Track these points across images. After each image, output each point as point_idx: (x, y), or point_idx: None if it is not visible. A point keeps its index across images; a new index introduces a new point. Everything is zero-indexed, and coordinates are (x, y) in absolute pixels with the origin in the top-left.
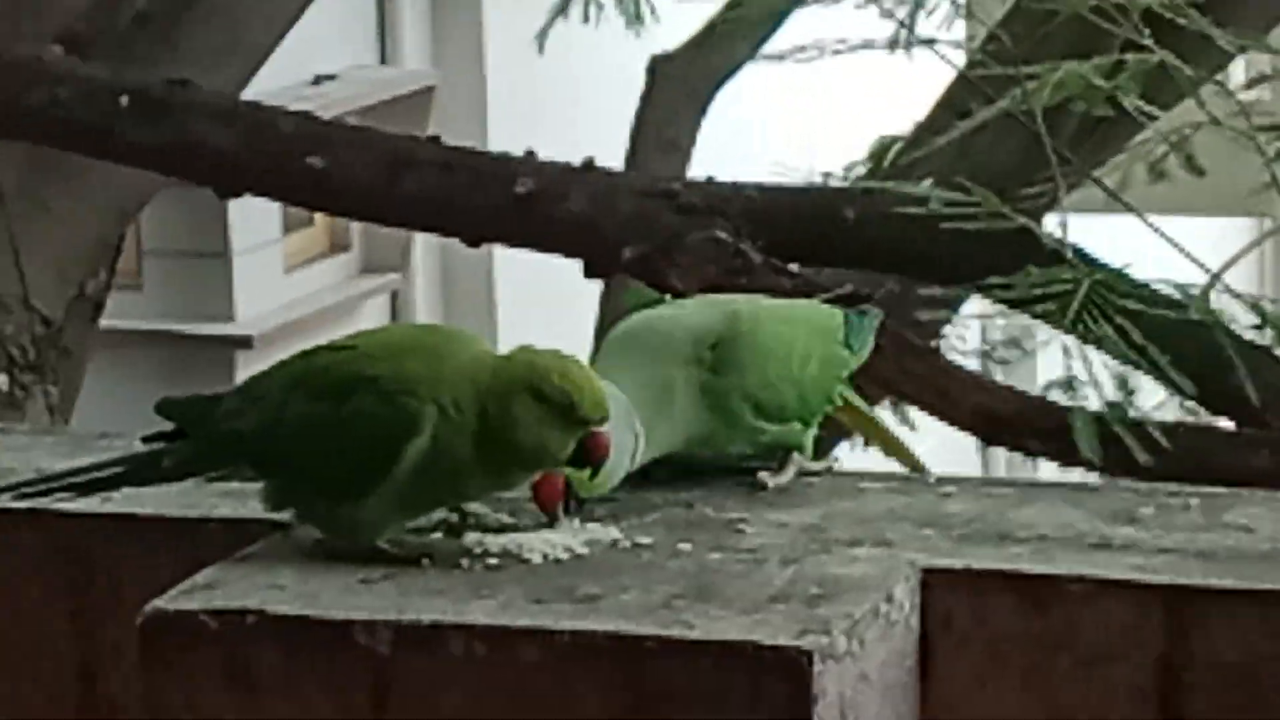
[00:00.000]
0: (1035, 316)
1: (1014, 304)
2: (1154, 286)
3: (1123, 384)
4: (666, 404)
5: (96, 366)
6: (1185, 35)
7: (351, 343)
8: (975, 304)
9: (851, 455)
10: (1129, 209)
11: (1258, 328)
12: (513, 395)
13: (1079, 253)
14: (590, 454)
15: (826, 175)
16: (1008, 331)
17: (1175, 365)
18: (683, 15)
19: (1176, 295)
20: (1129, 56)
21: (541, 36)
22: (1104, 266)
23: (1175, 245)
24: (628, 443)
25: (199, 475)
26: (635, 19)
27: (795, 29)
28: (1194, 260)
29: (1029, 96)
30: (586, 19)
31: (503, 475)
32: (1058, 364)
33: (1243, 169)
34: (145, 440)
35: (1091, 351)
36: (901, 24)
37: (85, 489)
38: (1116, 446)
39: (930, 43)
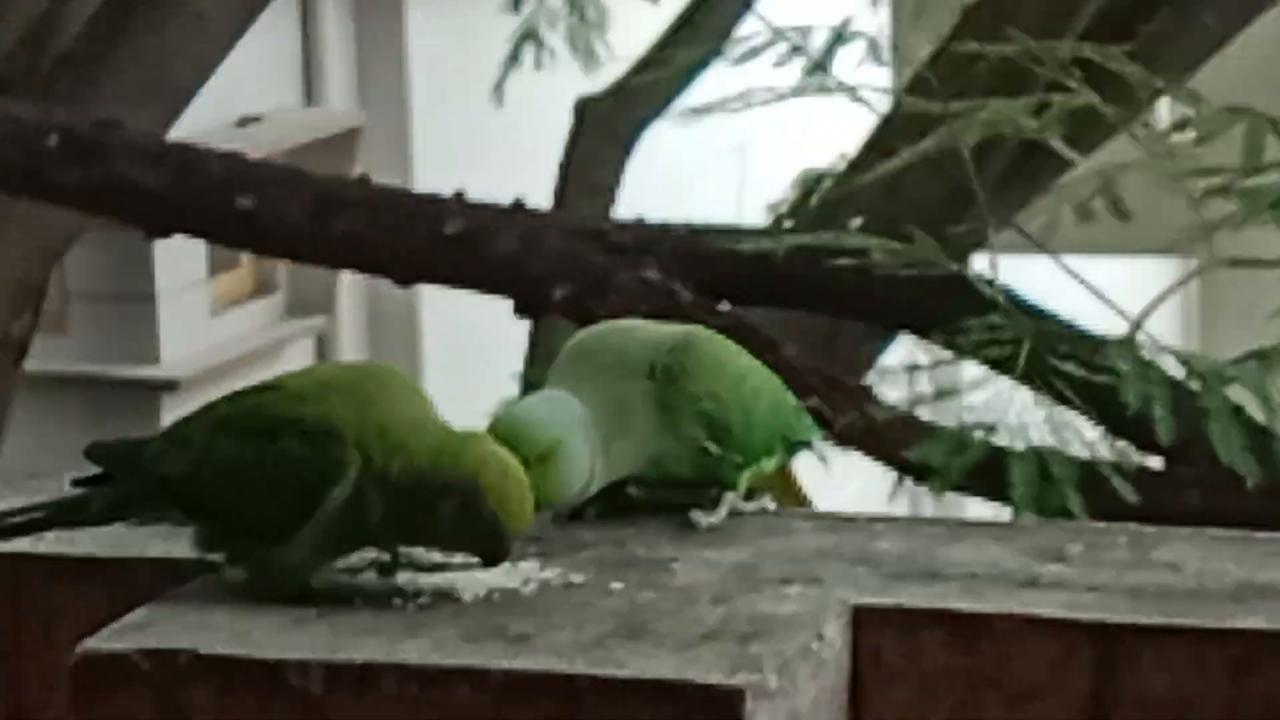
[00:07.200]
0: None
1: (952, 347)
2: (1082, 329)
3: (1078, 432)
4: (624, 421)
5: (21, 410)
6: (1110, 77)
7: (278, 383)
8: (905, 342)
9: None
10: (1051, 255)
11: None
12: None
13: (1011, 296)
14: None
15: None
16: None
17: (1107, 405)
18: (615, 56)
19: (1103, 337)
20: (1055, 96)
21: (498, 88)
22: (1034, 309)
23: (1096, 292)
24: (584, 456)
25: (127, 519)
26: (589, 58)
27: (721, 72)
28: (1114, 307)
29: (955, 136)
30: (539, 66)
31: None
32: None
33: (1169, 209)
34: (76, 484)
35: (1020, 390)
36: (821, 66)
37: (13, 532)
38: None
39: (854, 89)
